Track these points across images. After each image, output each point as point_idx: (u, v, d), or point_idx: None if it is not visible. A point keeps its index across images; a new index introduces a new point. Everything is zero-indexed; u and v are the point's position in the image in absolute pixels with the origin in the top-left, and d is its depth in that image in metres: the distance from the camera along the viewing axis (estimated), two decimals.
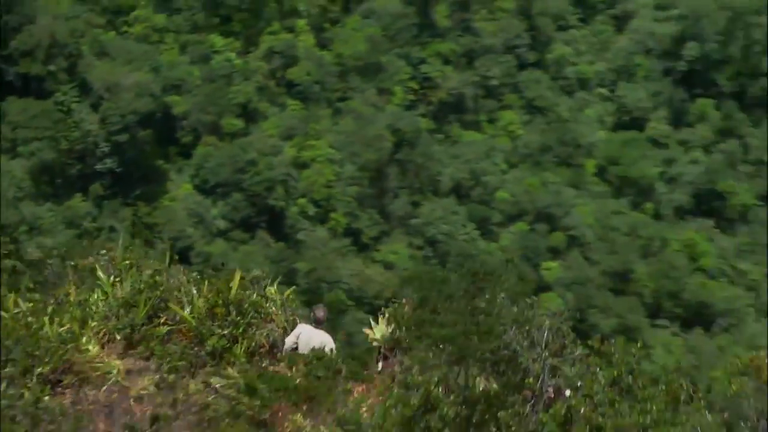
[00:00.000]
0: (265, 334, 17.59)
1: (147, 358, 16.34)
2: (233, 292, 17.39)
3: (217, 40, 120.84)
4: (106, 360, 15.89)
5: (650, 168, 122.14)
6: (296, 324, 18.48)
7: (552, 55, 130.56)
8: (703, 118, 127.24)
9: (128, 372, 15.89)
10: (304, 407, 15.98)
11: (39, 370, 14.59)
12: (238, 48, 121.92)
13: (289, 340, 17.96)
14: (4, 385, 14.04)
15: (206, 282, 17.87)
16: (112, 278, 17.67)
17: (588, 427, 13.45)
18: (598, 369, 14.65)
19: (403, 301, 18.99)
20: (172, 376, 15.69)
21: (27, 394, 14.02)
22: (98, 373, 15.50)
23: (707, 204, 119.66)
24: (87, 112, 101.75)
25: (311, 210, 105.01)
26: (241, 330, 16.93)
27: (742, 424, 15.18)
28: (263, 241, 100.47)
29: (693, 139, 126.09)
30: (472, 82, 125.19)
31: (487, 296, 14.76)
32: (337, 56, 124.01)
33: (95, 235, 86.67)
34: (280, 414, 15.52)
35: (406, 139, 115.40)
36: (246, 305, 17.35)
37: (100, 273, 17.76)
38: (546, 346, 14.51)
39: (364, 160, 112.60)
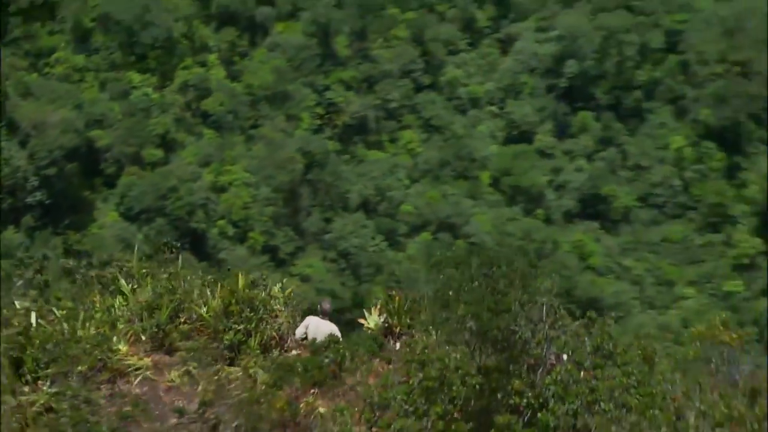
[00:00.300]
0: (276, 327, 18.81)
1: (171, 354, 17.41)
2: (243, 291, 18.58)
3: (135, 76, 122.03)
4: (135, 357, 16.98)
5: (539, 177, 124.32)
6: (296, 318, 19.83)
7: (445, 78, 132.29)
8: (585, 129, 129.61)
9: (156, 367, 17.04)
10: (315, 388, 17.41)
11: (78, 368, 15.52)
12: (154, 83, 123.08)
13: (299, 331, 19.25)
14: (48, 382, 14.95)
15: (219, 284, 19.01)
16: (131, 286, 18.88)
17: (585, 388, 14.66)
18: (585, 338, 15.87)
19: (394, 293, 20.95)
20: (197, 369, 16.83)
21: (69, 390, 14.96)
22: (129, 369, 16.64)
23: (593, 207, 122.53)
24: (16, 150, 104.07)
25: (231, 230, 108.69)
26: (253, 325, 18.00)
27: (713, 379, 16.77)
28: (187, 262, 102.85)
29: (576, 149, 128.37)
30: (373, 105, 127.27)
31: (503, 279, 15.35)
32: (247, 87, 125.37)
33: (28, 264, 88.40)
34: (295, 396, 16.69)
35: (315, 160, 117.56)
36: (257, 303, 18.40)
37: (122, 281, 18.90)
38: (542, 320, 15.58)
39: (278, 182, 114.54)
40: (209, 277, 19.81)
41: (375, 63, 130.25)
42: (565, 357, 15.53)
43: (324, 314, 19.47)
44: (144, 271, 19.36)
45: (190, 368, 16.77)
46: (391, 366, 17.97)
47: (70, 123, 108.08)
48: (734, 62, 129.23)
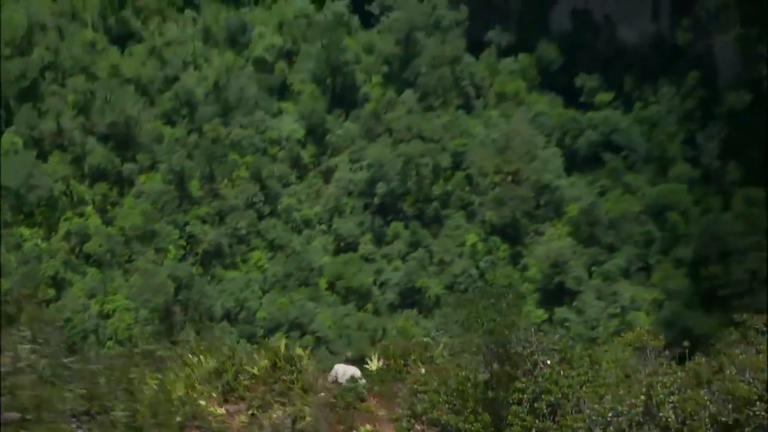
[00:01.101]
0: (309, 375, 21.06)
1: (237, 403, 19.69)
2: (284, 352, 20.99)
3: (25, 231, 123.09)
4: (212, 408, 19.27)
5: (366, 278, 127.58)
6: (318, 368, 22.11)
7: (282, 206, 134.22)
8: (398, 237, 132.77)
9: (228, 414, 19.42)
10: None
11: (176, 420, 17.41)
12: (42, 234, 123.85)
13: (331, 375, 21.40)
14: None
15: (261, 349, 21.55)
16: (196, 359, 20.94)
17: (563, 383, 16.98)
18: (554, 350, 18.61)
19: (385, 342, 25.17)
20: (260, 412, 19.24)
21: None
22: (210, 417, 18.89)
23: (410, 298, 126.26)
24: None
25: (118, 349, 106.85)
26: (295, 375, 20.32)
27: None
28: None
29: (393, 252, 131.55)
30: (226, 233, 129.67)
31: (507, 304, 17.73)
32: (120, 229, 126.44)
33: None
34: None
35: (183, 284, 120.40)
36: (294, 359, 20.79)
37: (189, 356, 21.16)
38: (532, 337, 18.22)
39: (154, 304, 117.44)
40: (253, 346, 23.44)
41: (224, 199, 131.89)
42: (548, 361, 17.99)
43: (347, 361, 21.98)
44: (202, 346, 22.07)
45: (254, 412, 19.22)
46: (423, 380, 20.38)
47: None
48: (507, 173, 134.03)
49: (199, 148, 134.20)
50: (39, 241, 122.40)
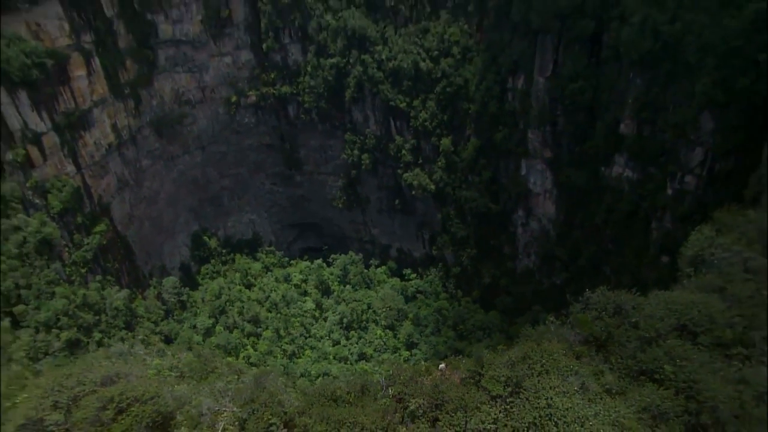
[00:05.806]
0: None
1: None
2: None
3: (228, 359, 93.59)
4: None
5: (345, 352, 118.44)
6: None
7: (312, 333, 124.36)
8: (353, 337, 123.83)
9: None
10: None
11: None
12: (233, 358, 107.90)
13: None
14: None
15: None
16: None
17: None
18: None
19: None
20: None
21: None
22: None
23: (362, 357, 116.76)
24: None
25: None
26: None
27: None
28: None
29: (353, 342, 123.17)
30: (295, 347, 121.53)
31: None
32: (260, 352, 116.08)
33: None
34: None
35: (285, 367, 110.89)
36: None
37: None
38: None
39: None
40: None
41: (292, 335, 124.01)
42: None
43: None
44: None
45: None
46: None
47: None
48: (387, 307, 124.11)
49: (282, 319, 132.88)
50: (233, 360, 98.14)
